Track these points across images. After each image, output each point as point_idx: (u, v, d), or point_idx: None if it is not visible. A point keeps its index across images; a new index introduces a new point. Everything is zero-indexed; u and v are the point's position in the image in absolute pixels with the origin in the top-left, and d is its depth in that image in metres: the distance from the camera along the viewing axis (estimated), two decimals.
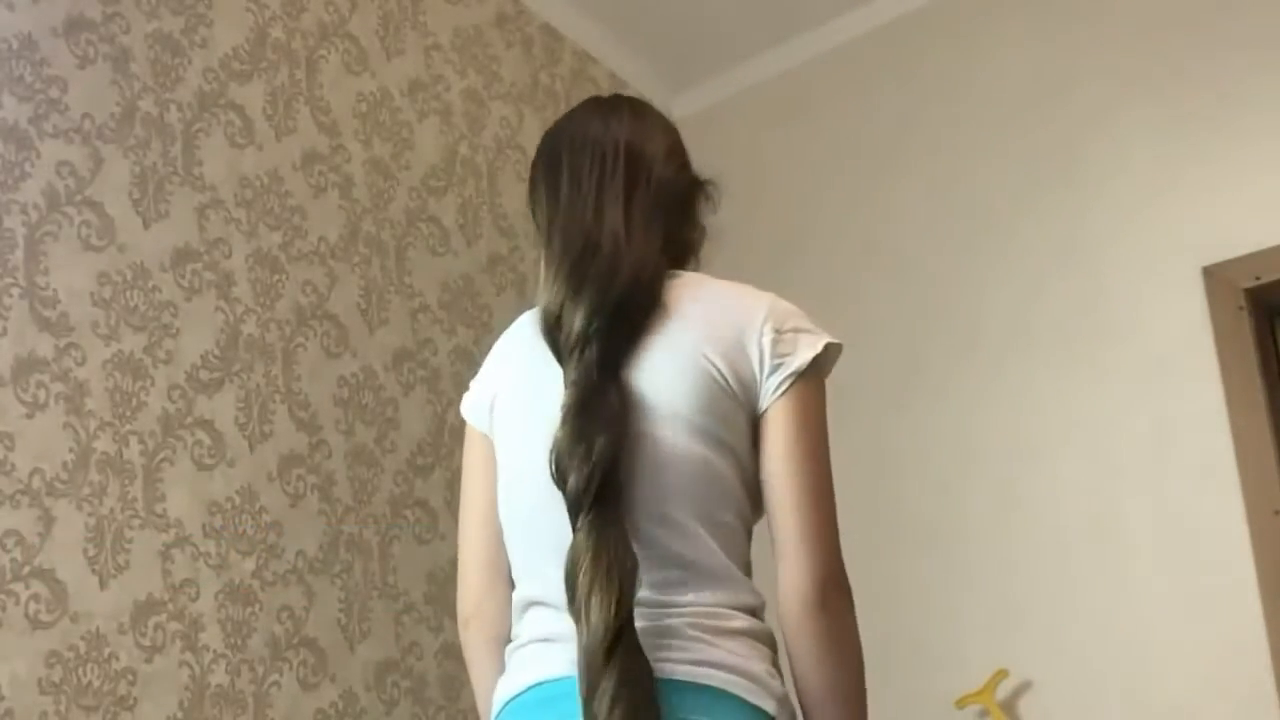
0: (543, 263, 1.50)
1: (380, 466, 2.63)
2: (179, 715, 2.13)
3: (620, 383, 1.38)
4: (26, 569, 1.98)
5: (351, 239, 2.71)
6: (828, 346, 1.43)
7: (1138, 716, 2.66)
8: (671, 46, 3.66)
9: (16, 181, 2.12)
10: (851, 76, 3.54)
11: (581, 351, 1.38)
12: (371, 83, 2.86)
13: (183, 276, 2.35)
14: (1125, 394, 2.85)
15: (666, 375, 1.39)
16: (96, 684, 2.03)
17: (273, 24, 2.66)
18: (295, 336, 2.53)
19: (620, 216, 1.47)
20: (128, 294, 2.25)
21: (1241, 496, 2.65)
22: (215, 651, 2.22)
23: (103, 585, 2.08)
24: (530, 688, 1.35)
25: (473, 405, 1.54)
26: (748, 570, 1.41)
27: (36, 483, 2.03)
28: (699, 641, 1.31)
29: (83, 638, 2.03)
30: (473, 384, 1.56)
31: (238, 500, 2.33)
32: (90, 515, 2.09)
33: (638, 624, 1.27)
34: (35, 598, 1.98)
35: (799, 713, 1.36)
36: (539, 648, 1.37)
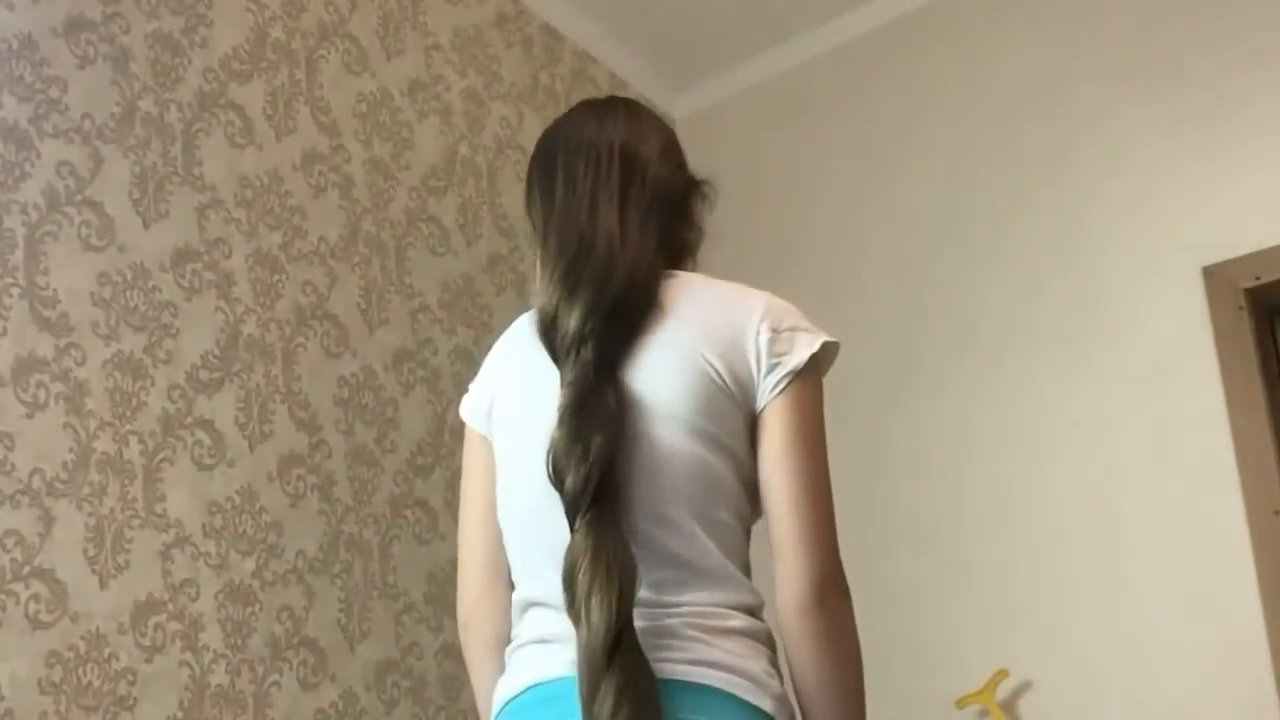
0: (538, 264, 1.50)
1: (380, 466, 2.63)
2: (179, 715, 2.13)
3: (617, 383, 1.38)
4: (26, 569, 1.99)
5: (351, 239, 2.71)
6: (825, 345, 1.43)
7: (1138, 716, 2.66)
8: (671, 46, 3.66)
9: (16, 181, 2.12)
10: (851, 76, 3.54)
11: (577, 352, 1.38)
12: (371, 83, 2.86)
13: (183, 276, 2.35)
14: (1125, 394, 2.85)
15: (663, 375, 1.39)
16: (96, 684, 2.03)
17: (273, 24, 2.66)
18: (295, 336, 2.54)
19: (615, 217, 1.47)
20: (128, 294, 2.25)
21: (1241, 496, 2.65)
22: (215, 651, 2.22)
23: (103, 585, 2.08)
24: (529, 688, 1.36)
25: (472, 407, 1.55)
26: (747, 570, 1.41)
27: (36, 483, 2.03)
28: (696, 641, 1.31)
29: (83, 638, 2.03)
30: (472, 386, 1.57)
31: (238, 500, 2.33)
32: (90, 515, 2.09)
33: (635, 624, 1.27)
34: (35, 598, 1.98)
35: (798, 712, 1.36)
36: (538, 648, 1.37)
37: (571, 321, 1.39)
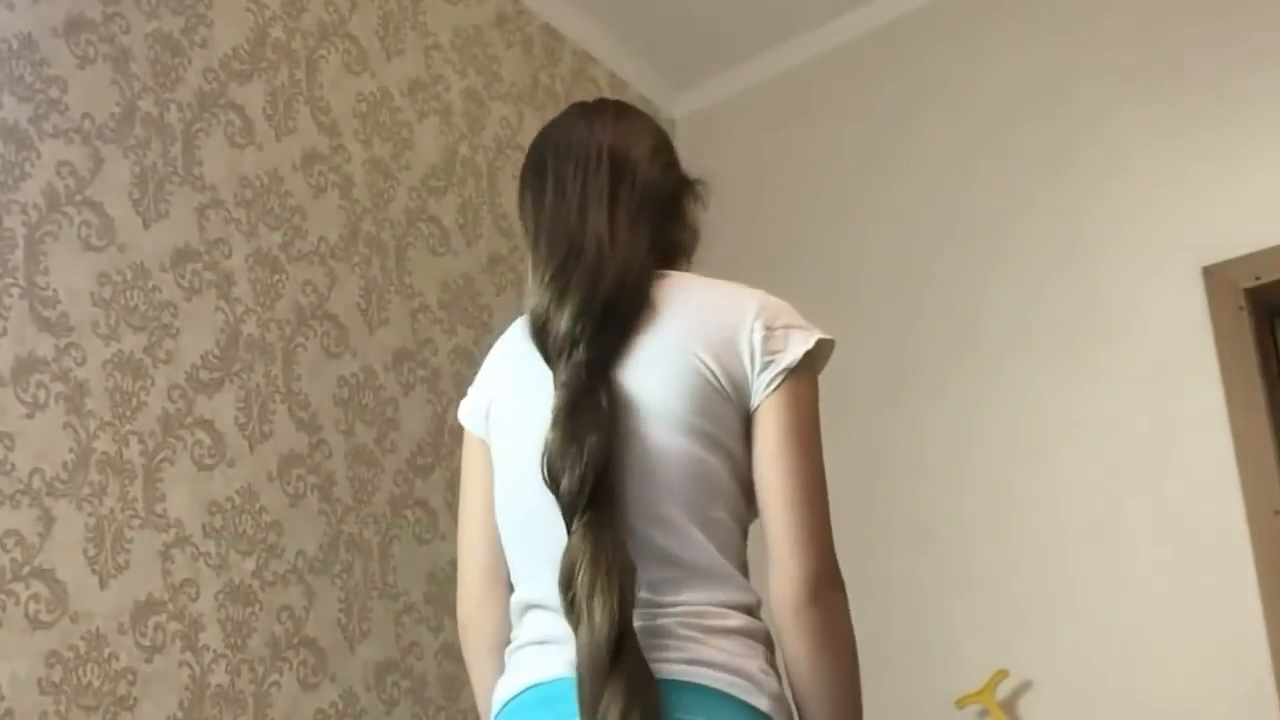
0: (530, 267, 1.51)
1: (380, 466, 2.64)
2: (179, 715, 2.13)
3: (609, 383, 1.38)
4: (26, 569, 1.99)
5: (351, 239, 2.71)
6: (819, 342, 1.43)
7: (1137, 716, 2.66)
8: (671, 46, 3.66)
9: (16, 181, 2.12)
10: (851, 76, 3.54)
11: (570, 354, 1.38)
12: (371, 83, 2.86)
13: (183, 276, 2.35)
14: (1125, 394, 2.84)
15: (657, 375, 1.39)
16: (96, 684, 2.03)
17: (273, 24, 2.66)
18: (295, 336, 2.54)
19: (604, 219, 1.47)
20: (128, 294, 2.25)
21: (1241, 496, 2.65)
22: (215, 651, 2.22)
23: (103, 585, 2.08)
24: (528, 688, 1.36)
25: (470, 411, 1.55)
26: (744, 569, 1.41)
27: (36, 483, 2.03)
28: (692, 641, 1.31)
29: (83, 638, 2.03)
30: (470, 390, 1.57)
31: (238, 500, 2.33)
32: (90, 515, 2.09)
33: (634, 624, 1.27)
34: (35, 598, 1.99)
35: (795, 711, 1.36)
36: (537, 649, 1.38)
37: (563, 323, 1.40)
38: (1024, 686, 2.81)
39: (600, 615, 1.24)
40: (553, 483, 1.32)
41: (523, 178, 1.58)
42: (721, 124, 3.72)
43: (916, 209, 3.29)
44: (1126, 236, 2.93)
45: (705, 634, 1.32)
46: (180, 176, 2.39)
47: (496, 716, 1.39)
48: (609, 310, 1.41)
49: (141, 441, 2.20)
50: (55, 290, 2.14)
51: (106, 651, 2.06)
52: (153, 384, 2.25)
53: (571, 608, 1.28)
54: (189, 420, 2.29)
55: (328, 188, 2.69)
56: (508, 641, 1.45)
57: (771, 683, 1.33)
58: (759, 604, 1.39)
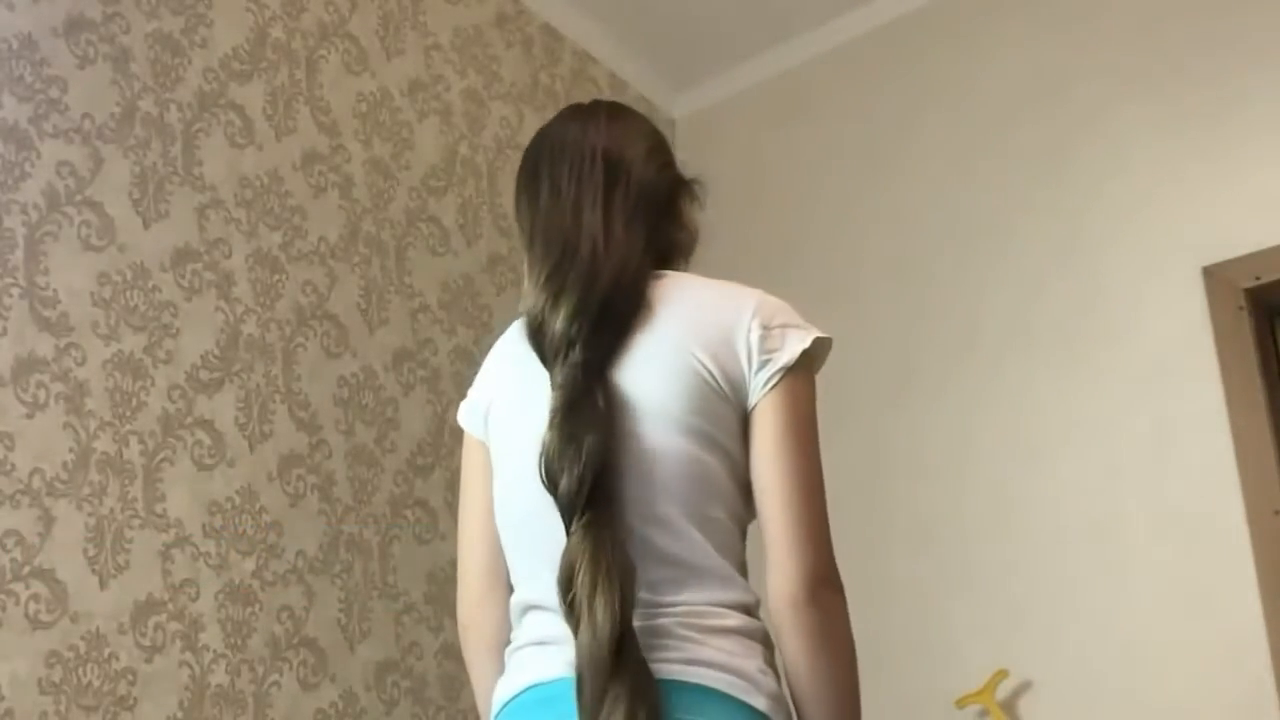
0: (526, 269, 1.51)
1: (380, 466, 2.64)
2: (179, 715, 2.13)
3: (606, 383, 1.38)
4: (26, 569, 1.99)
5: (351, 239, 2.71)
6: (817, 341, 1.43)
7: (1137, 716, 2.66)
8: (671, 46, 3.66)
9: (16, 181, 2.12)
10: (851, 76, 3.54)
11: (566, 354, 1.38)
12: (371, 83, 2.87)
13: (183, 276, 2.35)
14: (1125, 394, 2.84)
15: (654, 374, 1.39)
16: (96, 684, 2.03)
17: (273, 24, 2.67)
18: (295, 336, 2.54)
19: (599, 220, 1.48)
20: (128, 294, 2.25)
21: (1241, 496, 2.64)
22: (215, 651, 2.22)
23: (103, 585, 2.08)
24: (528, 688, 1.36)
25: (469, 412, 1.55)
26: (742, 569, 1.41)
27: (36, 483, 2.03)
28: (690, 641, 1.31)
29: (83, 638, 2.03)
30: (470, 391, 1.57)
31: (238, 500, 2.33)
32: (90, 515, 2.09)
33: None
34: (35, 598, 1.99)
35: (793, 711, 1.36)
36: (536, 650, 1.38)
37: (558, 324, 1.40)
38: (1024, 686, 2.81)
39: (601, 615, 1.24)
40: (551, 483, 1.32)
41: (518, 181, 1.58)
42: (721, 124, 3.72)
43: (916, 209, 3.29)
44: (1126, 236, 2.93)
45: (703, 634, 1.32)
46: (180, 176, 2.40)
47: (496, 717, 1.39)
48: (605, 310, 1.41)
49: (141, 441, 2.20)
50: (55, 290, 2.14)
51: (106, 651, 2.06)
52: (153, 384, 2.25)
53: (571, 608, 1.28)
54: (189, 420, 2.29)
55: (328, 188, 2.69)
56: (507, 642, 1.45)
57: (769, 682, 1.33)
58: (757, 604, 1.39)
